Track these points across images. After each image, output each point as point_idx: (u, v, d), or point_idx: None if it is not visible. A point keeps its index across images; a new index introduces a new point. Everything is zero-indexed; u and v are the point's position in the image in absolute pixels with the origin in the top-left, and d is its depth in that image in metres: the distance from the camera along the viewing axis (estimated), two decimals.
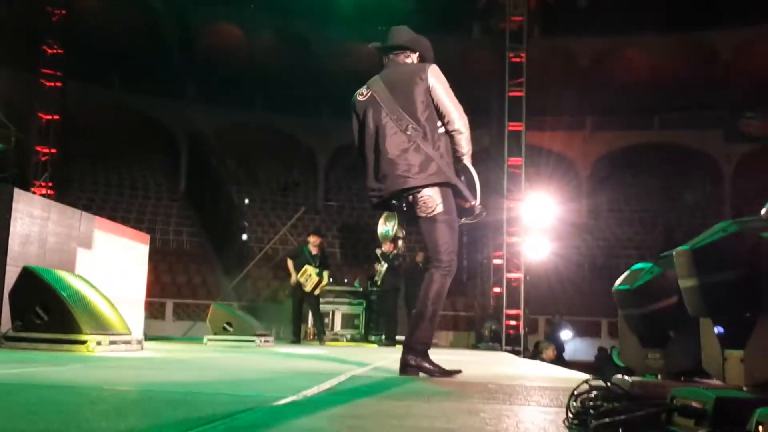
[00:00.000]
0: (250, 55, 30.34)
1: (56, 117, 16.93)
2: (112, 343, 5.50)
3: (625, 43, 30.33)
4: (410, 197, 3.92)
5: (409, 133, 3.83)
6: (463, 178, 4.02)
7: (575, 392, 2.02)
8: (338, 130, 28.19)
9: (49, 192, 15.90)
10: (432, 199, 3.89)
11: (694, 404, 1.66)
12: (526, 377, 4.69)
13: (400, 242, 12.77)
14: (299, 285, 11.63)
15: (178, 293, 20.23)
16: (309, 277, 11.50)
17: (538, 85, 19.76)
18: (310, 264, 11.61)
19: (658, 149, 28.44)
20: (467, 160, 4.05)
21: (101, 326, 5.54)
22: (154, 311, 18.08)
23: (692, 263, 1.89)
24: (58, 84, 16.97)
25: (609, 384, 2.11)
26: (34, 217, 6.60)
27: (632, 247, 25.19)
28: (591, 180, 28.67)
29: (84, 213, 7.84)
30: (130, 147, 27.76)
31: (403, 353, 3.94)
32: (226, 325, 8.93)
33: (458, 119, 3.94)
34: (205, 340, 8.92)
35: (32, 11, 19.88)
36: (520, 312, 15.14)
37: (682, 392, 1.75)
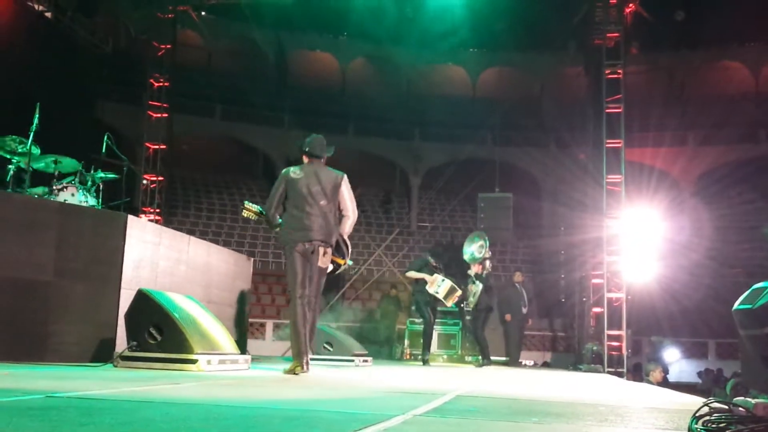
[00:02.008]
0: (343, 81, 31.02)
1: (163, 146, 17.60)
2: (221, 362, 5.68)
3: (726, 55, 29.13)
4: (320, 247, 5.70)
5: (330, 209, 5.79)
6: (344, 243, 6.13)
7: (696, 414, 1.96)
8: (430, 153, 28.35)
9: (157, 218, 16.55)
10: (330, 256, 5.86)
11: None
12: (635, 399, 4.56)
13: (487, 263, 12.58)
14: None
15: (277, 314, 20.68)
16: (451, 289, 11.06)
17: (637, 101, 19.18)
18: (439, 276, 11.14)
19: (765, 164, 27.00)
20: (346, 234, 6.10)
21: (211, 346, 5.74)
22: (254, 331, 18.52)
23: None
24: (165, 115, 17.68)
25: (731, 405, 2.04)
26: (147, 242, 6.93)
27: (739, 266, 23.94)
28: (695, 197, 27.51)
29: (192, 237, 8.19)
30: (230, 173, 28.80)
31: (306, 355, 5.77)
32: (326, 345, 9.04)
33: (354, 211, 6.05)
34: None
35: (139, 46, 20.99)
36: (623, 333, 14.61)
37: None
